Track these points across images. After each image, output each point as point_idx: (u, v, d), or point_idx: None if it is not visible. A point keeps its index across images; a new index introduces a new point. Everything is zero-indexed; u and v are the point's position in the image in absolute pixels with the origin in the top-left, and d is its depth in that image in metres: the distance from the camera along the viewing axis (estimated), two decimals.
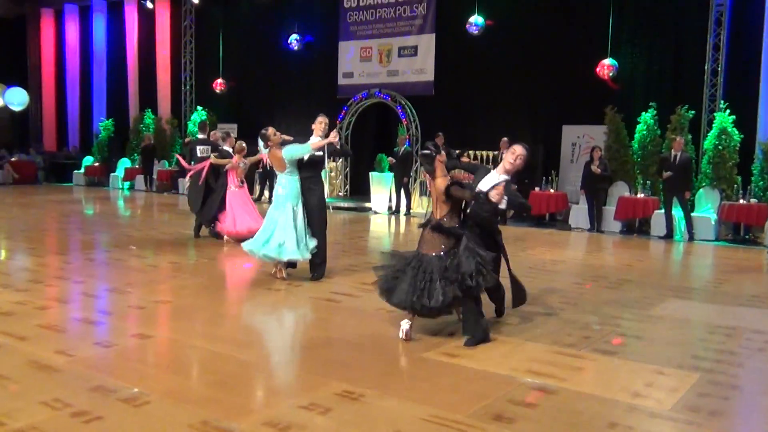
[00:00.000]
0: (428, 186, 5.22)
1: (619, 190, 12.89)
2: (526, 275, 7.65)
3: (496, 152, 13.69)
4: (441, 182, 4.99)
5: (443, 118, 15.54)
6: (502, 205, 4.99)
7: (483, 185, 5.07)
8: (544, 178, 13.60)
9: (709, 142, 12.12)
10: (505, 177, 5.09)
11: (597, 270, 8.44)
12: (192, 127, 19.33)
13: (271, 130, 7.08)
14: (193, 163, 10.17)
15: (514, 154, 5.08)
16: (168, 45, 20.42)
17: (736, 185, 11.85)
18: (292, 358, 4.66)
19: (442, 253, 4.85)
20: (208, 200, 9.83)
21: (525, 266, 8.19)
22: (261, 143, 7.13)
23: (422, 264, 4.84)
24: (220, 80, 19.09)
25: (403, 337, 4.90)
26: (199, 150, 10.20)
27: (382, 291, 5.00)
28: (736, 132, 12.00)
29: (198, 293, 6.41)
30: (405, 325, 4.93)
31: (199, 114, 19.28)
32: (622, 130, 13.03)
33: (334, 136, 6.93)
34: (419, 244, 5.00)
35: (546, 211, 13.37)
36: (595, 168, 12.46)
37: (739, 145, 12.00)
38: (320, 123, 7.03)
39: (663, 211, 11.90)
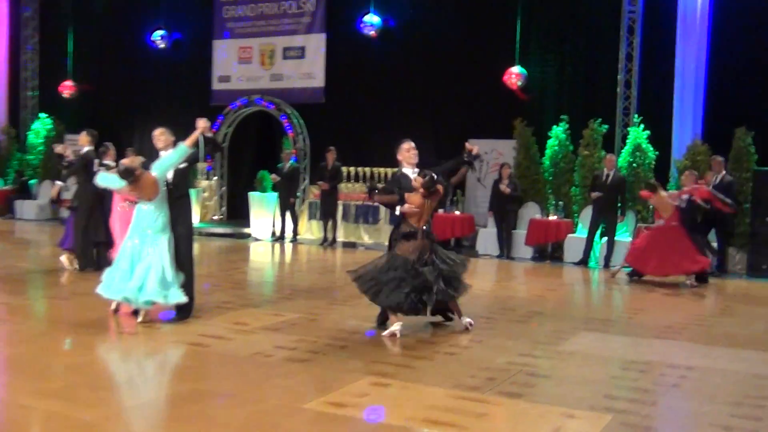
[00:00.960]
0: (415, 205, 6.64)
1: (530, 211, 13.37)
2: None
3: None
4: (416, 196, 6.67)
5: (336, 129, 15.66)
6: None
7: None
8: (448, 198, 13.87)
9: (623, 159, 12.80)
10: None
11: (506, 302, 8.68)
12: (34, 138, 18.47)
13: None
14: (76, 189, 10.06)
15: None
16: (5, 40, 19.47)
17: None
18: (150, 418, 4.50)
19: (433, 256, 6.58)
20: (89, 224, 9.70)
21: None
22: (115, 183, 6.98)
23: (425, 268, 6.48)
24: (69, 83, 18.38)
25: (396, 336, 6.44)
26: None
27: (374, 295, 6.57)
28: (651, 148, 12.76)
29: (33, 340, 6.09)
30: (398, 326, 6.50)
31: (43, 122, 18.50)
32: (532, 145, 13.57)
33: (204, 124, 6.89)
34: (410, 252, 6.54)
35: (450, 236, 13.66)
36: (504, 187, 12.86)
37: (654, 162, 12.76)
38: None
39: (579, 234, 12.43)
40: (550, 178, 13.42)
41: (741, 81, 12.50)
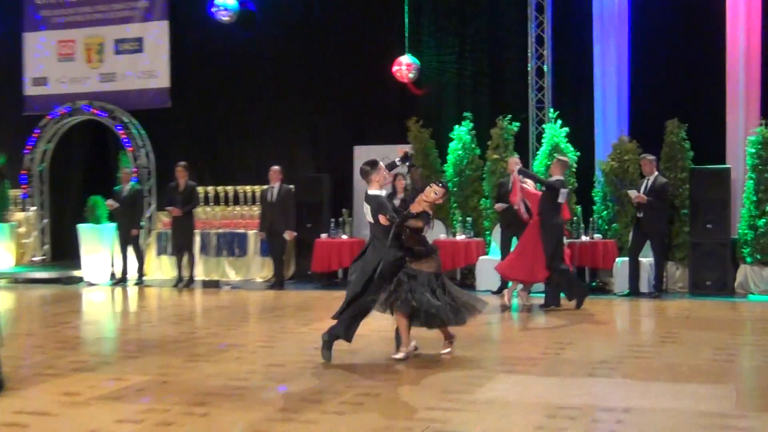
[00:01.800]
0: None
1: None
2: (312, 359, 7.73)
3: (265, 186, 13.80)
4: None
5: (187, 141, 15.53)
6: None
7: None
8: (332, 220, 13.91)
9: (539, 162, 13.12)
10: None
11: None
12: None
13: None
14: None
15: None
16: None
17: (575, 217, 12.94)
18: None
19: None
20: None
21: (308, 347, 8.23)
22: None
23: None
24: None
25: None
26: None
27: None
28: (572, 149, 13.14)
29: None
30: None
31: None
32: (431, 150, 13.76)
33: None
34: (433, 267, 7.69)
35: (338, 266, 13.64)
36: (399, 203, 12.90)
37: (575, 165, 13.13)
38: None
39: (493, 256, 12.67)
40: (455, 189, 13.57)
41: (672, 67, 13.11)
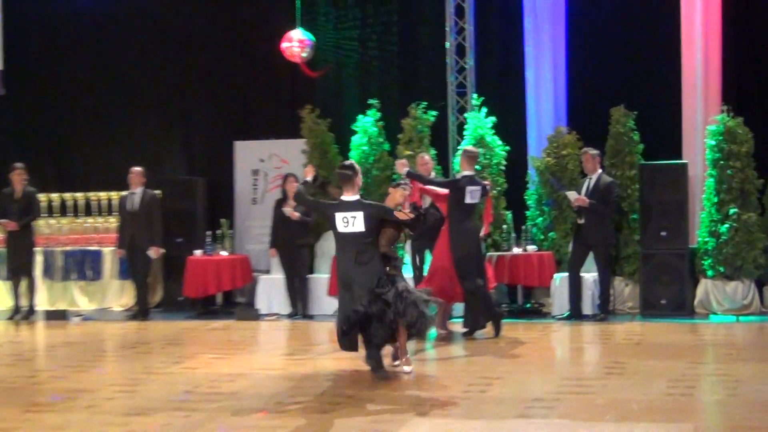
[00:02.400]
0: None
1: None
2: (179, 409, 7.53)
3: (124, 192, 13.53)
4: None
5: (26, 137, 15.25)
6: None
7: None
8: (208, 233, 13.74)
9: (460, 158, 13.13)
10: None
11: (301, 383, 8.57)
12: None
13: None
14: None
15: None
16: None
17: (505, 225, 12.99)
18: None
19: None
20: None
21: (179, 391, 8.07)
22: None
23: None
24: None
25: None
26: None
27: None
28: (499, 142, 13.21)
29: None
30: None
31: None
32: (330, 145, 13.72)
33: None
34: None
35: (215, 290, 13.58)
36: (290, 211, 12.79)
37: (504, 162, 13.22)
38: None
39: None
40: (361, 192, 13.44)
41: (618, 46, 13.32)
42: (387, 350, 8.86)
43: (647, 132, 12.87)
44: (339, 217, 8.42)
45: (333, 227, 8.60)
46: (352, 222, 8.36)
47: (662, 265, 12.29)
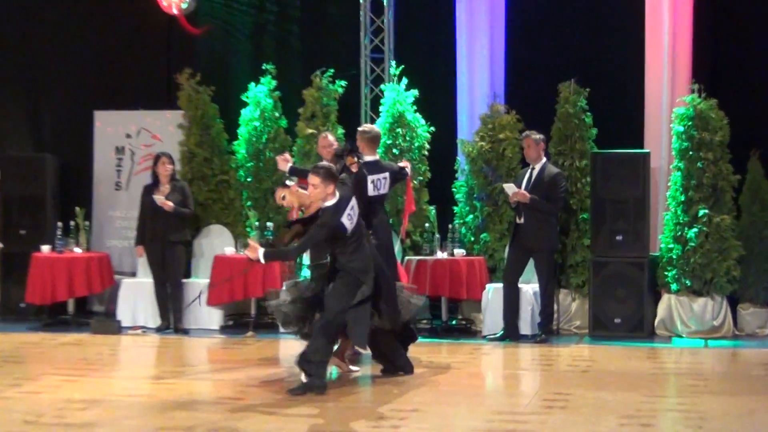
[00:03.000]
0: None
1: (215, 242, 13.39)
2: None
3: None
4: None
5: None
6: None
7: None
8: (59, 224, 13.56)
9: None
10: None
11: (170, 412, 8.38)
12: None
13: None
14: None
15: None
16: None
17: (428, 223, 12.95)
18: None
19: None
20: None
21: (17, 421, 7.86)
22: None
23: None
24: None
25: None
26: None
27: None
28: (422, 121, 13.19)
29: None
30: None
31: None
32: (213, 119, 13.65)
33: None
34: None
35: (67, 296, 13.41)
36: (163, 200, 12.65)
37: (428, 146, 13.20)
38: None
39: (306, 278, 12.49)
40: (249, 179, 13.55)
41: (568, 8, 13.37)
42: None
43: (602, 114, 12.96)
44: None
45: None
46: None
47: (617, 276, 12.35)
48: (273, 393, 9.09)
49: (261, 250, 8.94)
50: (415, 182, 12.54)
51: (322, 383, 9.04)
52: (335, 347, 10.11)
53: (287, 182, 9.63)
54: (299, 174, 10.69)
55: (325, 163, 9.77)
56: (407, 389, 9.50)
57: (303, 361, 9.03)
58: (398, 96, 13.16)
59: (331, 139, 11.81)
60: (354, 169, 10.16)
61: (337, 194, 9.02)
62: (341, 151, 9.87)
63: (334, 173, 9.14)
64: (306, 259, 11.96)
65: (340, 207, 8.98)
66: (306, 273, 11.54)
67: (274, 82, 13.55)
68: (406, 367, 9.96)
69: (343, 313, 9.11)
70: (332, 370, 10.03)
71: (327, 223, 8.92)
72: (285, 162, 10.78)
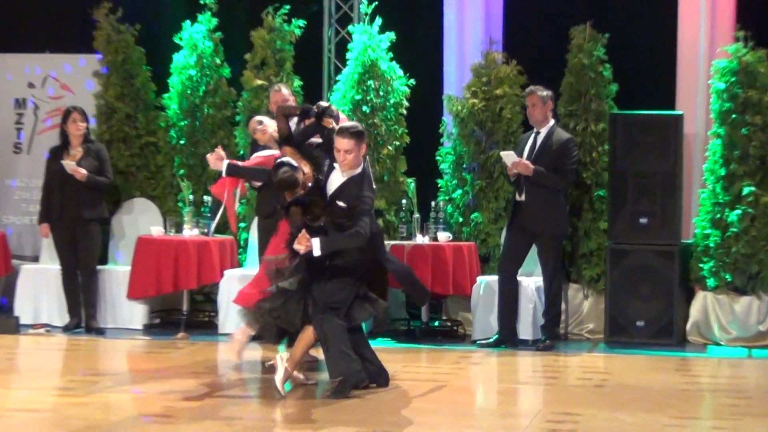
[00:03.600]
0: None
1: (138, 219, 13.44)
2: None
3: None
4: None
5: None
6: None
7: None
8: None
9: (343, 94, 13.09)
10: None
11: (78, 430, 8.31)
12: None
13: None
14: None
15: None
16: None
17: (405, 200, 12.88)
18: None
19: None
20: None
21: None
22: None
23: None
24: None
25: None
26: None
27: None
28: (400, 72, 13.11)
29: None
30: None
31: None
32: (138, 67, 13.72)
33: None
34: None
35: None
36: (74, 166, 12.58)
37: (406, 104, 13.11)
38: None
39: (248, 269, 12.48)
40: (182, 141, 13.60)
41: None
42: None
43: (624, 66, 12.95)
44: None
45: None
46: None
47: (640, 269, 12.29)
48: (209, 409, 8.97)
49: (316, 241, 9.07)
50: (390, 148, 12.41)
51: (353, 370, 9.38)
52: (286, 354, 10.07)
53: None
54: (242, 174, 10.50)
55: (348, 122, 9.78)
56: (378, 406, 9.40)
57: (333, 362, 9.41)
58: (370, 40, 13.12)
59: (285, 93, 11.80)
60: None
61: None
62: (317, 112, 9.77)
63: (363, 131, 9.35)
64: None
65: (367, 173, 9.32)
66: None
67: (214, 21, 13.61)
68: (380, 377, 9.82)
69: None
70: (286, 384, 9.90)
71: (370, 195, 9.30)
72: (219, 160, 10.45)
